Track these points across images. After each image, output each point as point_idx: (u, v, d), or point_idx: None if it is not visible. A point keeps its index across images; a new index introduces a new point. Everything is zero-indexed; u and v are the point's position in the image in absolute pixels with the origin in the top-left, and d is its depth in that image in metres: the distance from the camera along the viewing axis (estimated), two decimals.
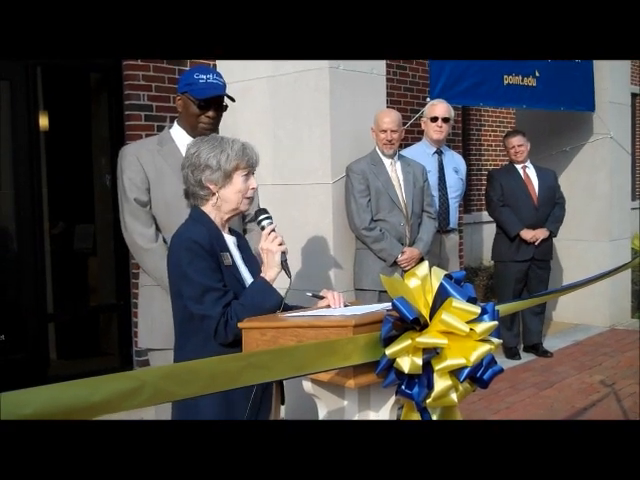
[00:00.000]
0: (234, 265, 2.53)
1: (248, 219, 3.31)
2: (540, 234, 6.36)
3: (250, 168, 2.54)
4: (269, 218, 2.58)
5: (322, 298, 2.58)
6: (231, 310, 2.40)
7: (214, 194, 2.53)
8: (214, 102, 3.16)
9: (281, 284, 2.50)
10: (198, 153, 2.54)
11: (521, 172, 6.51)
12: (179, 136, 3.19)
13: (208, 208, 2.56)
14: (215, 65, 5.33)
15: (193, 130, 3.14)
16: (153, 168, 3.13)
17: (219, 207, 2.55)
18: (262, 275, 2.49)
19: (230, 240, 2.59)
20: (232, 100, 3.25)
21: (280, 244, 2.49)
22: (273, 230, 2.53)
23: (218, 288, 2.41)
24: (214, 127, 3.21)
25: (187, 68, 5.41)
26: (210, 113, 3.16)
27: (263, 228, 2.56)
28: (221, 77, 3.21)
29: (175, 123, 3.28)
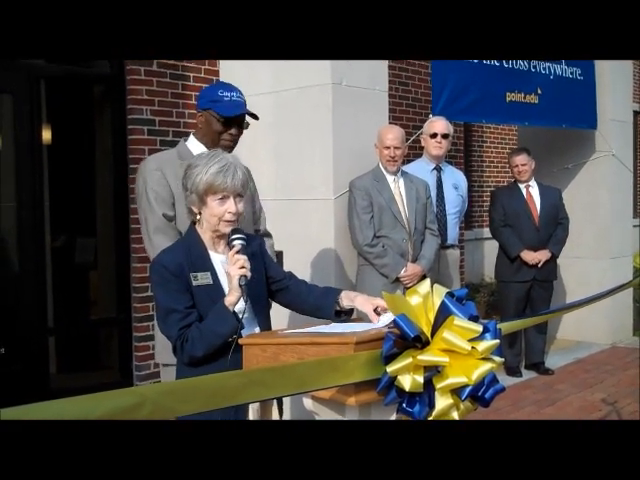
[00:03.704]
0: (215, 284, 2.51)
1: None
2: (541, 256, 6.34)
3: (225, 192, 2.47)
4: (240, 239, 2.48)
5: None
6: (188, 333, 2.41)
7: (196, 214, 2.55)
8: (236, 120, 3.16)
9: None
10: (184, 173, 2.54)
11: (524, 191, 6.49)
12: (197, 149, 3.14)
13: (199, 227, 2.58)
14: (218, 71, 5.38)
15: (214, 146, 3.12)
16: (177, 182, 3.02)
17: (205, 227, 2.55)
18: (223, 299, 2.43)
19: (218, 259, 2.56)
20: (256, 118, 3.24)
21: (242, 267, 2.40)
22: (238, 252, 2.44)
23: (179, 310, 2.42)
24: (234, 144, 3.21)
25: (190, 83, 5.44)
26: (232, 131, 3.16)
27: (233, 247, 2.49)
28: (242, 95, 3.22)
29: (192, 136, 3.26)
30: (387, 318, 2.38)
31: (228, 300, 2.41)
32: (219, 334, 2.38)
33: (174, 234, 3.07)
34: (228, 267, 2.43)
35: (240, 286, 2.39)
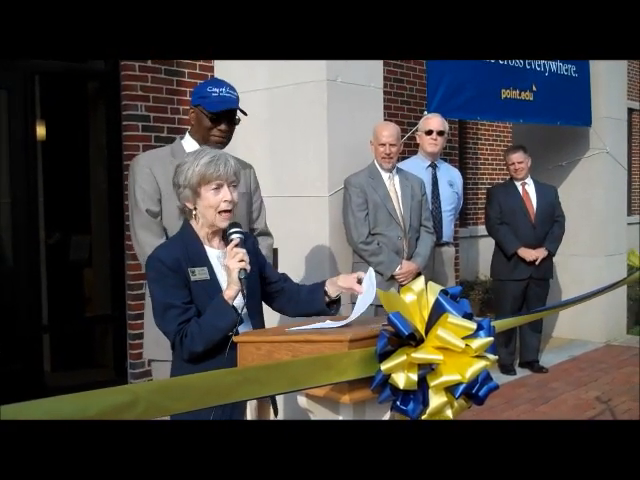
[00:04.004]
0: (212, 280, 2.49)
1: (255, 233, 3.32)
2: (539, 254, 6.34)
3: (219, 181, 2.46)
4: (238, 233, 2.48)
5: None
6: (188, 328, 2.40)
7: (192, 210, 2.53)
8: (226, 116, 3.16)
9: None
10: (175, 171, 2.53)
11: (520, 189, 6.49)
12: (191, 147, 3.14)
13: (195, 222, 2.56)
14: (213, 67, 5.37)
15: (205, 142, 3.12)
16: (166, 180, 3.04)
17: (201, 222, 2.54)
18: (222, 293, 2.42)
19: (214, 254, 2.55)
20: (244, 114, 3.25)
21: (241, 260, 2.39)
22: (237, 245, 2.44)
23: (177, 305, 2.41)
24: (226, 140, 3.21)
25: (185, 79, 5.43)
26: (222, 127, 3.16)
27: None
28: (234, 90, 3.21)
29: (187, 134, 3.27)
30: (366, 280, 2.48)
31: (227, 294, 2.40)
32: (219, 328, 2.37)
33: (159, 230, 3.10)
34: (227, 260, 2.42)
35: (239, 279, 2.38)
